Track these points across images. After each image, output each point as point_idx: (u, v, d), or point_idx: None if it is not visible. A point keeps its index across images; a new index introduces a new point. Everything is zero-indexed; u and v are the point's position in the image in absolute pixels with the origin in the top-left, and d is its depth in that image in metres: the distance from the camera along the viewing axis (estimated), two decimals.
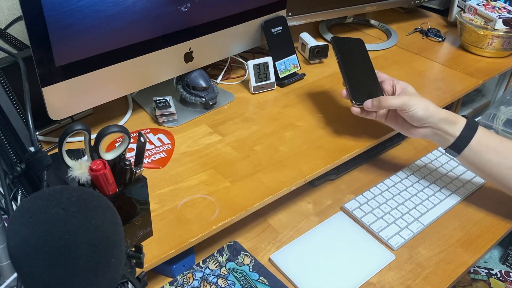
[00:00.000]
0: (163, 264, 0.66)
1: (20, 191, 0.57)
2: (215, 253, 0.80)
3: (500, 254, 1.45)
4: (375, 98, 0.82)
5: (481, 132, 0.80)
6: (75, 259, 0.35)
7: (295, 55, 1.07)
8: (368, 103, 0.82)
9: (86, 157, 0.56)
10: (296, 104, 0.99)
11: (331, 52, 1.17)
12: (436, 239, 0.85)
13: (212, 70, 1.10)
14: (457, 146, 0.80)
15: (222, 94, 1.00)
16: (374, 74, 0.88)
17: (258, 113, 0.96)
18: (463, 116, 0.82)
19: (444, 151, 1.05)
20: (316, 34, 1.29)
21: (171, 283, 0.75)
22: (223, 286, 0.75)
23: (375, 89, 0.85)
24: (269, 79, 1.02)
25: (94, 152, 0.55)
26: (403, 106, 0.79)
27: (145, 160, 0.81)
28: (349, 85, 0.85)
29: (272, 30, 1.03)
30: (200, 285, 0.75)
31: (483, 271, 1.37)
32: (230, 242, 0.82)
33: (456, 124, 0.80)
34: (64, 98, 0.76)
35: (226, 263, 0.78)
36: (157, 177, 0.78)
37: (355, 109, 0.84)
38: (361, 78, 0.87)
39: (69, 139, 0.57)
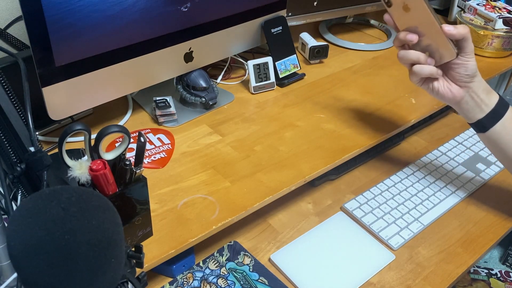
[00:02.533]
0: (163, 264, 0.66)
1: (20, 191, 0.57)
2: (215, 253, 0.80)
3: (500, 254, 1.45)
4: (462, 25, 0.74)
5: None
6: (75, 259, 0.35)
7: (295, 55, 1.07)
8: (450, 26, 0.71)
9: (86, 157, 0.56)
10: (296, 104, 0.99)
11: (331, 52, 1.17)
12: (436, 239, 0.85)
13: (212, 70, 1.10)
14: (490, 119, 0.76)
15: (222, 94, 1.00)
16: None
17: (258, 113, 0.96)
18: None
19: (442, 152, 1.05)
20: (316, 34, 1.28)
21: (171, 283, 0.75)
22: (223, 286, 0.75)
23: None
24: (269, 79, 1.02)
25: (94, 152, 0.55)
26: (472, 47, 0.73)
27: (145, 160, 0.81)
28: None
29: (272, 30, 1.03)
30: (200, 285, 0.75)
31: (483, 271, 1.37)
32: (230, 242, 0.82)
33: (491, 95, 0.76)
34: (64, 98, 0.76)
35: (226, 263, 0.78)
36: (157, 177, 0.78)
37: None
38: None
39: (69, 139, 0.57)
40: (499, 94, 0.77)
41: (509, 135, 0.76)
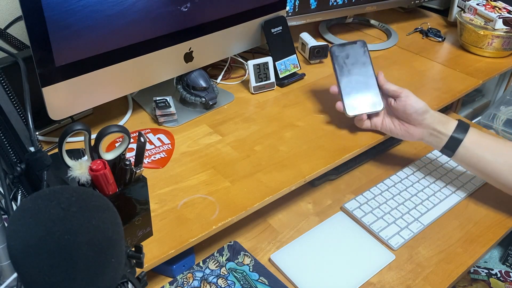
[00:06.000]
0: (163, 264, 0.66)
1: (20, 191, 0.57)
2: (215, 253, 0.80)
3: (500, 254, 1.45)
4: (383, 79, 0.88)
5: (473, 131, 0.83)
6: (75, 259, 0.35)
7: (295, 55, 1.07)
8: (381, 76, 0.88)
9: (86, 157, 0.56)
10: (296, 104, 0.99)
11: None
12: (436, 239, 0.85)
13: (212, 70, 1.10)
14: (451, 145, 0.84)
15: (222, 94, 1.00)
16: (374, 81, 0.90)
17: (258, 113, 0.96)
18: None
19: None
20: (316, 34, 1.29)
21: (171, 283, 0.75)
22: (223, 286, 0.75)
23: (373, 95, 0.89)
24: (269, 79, 1.02)
25: (94, 152, 0.55)
26: (403, 92, 0.84)
27: (145, 160, 0.81)
28: (344, 97, 0.89)
29: (272, 30, 1.03)
30: (200, 285, 0.75)
31: (483, 271, 1.37)
32: (230, 242, 0.82)
33: (448, 124, 0.84)
34: (64, 98, 0.76)
35: (226, 263, 0.78)
36: (157, 177, 0.78)
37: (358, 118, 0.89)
38: (359, 87, 0.89)
39: (69, 139, 0.57)
40: (458, 120, 0.85)
41: (474, 156, 0.83)
